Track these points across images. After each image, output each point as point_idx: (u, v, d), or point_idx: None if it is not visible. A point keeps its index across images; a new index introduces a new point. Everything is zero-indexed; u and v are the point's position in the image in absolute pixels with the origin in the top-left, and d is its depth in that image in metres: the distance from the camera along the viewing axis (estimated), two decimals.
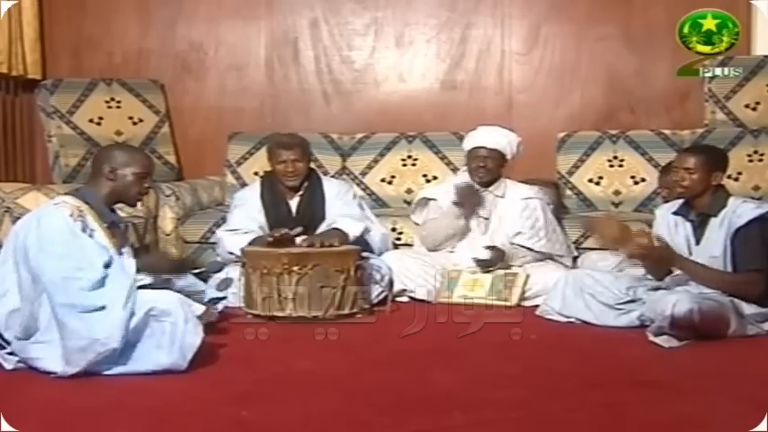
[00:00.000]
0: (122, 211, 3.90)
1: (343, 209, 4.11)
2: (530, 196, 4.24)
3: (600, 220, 3.75)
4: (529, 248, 4.12)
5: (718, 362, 2.96)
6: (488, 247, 4.06)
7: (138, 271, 3.08)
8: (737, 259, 3.32)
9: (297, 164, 4.11)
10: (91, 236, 2.93)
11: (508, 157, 4.24)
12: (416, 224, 4.42)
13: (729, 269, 3.34)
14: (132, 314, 2.73)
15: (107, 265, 2.84)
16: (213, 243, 4.30)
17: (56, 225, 2.86)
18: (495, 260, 4.03)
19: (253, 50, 5.47)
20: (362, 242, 4.01)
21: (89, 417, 2.41)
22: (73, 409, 2.47)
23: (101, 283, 2.79)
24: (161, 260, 3.63)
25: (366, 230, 4.07)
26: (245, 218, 4.10)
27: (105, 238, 2.98)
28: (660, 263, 3.43)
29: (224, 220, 4.33)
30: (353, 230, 3.94)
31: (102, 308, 2.74)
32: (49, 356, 2.73)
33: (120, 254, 3.08)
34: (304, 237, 3.84)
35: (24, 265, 2.84)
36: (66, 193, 3.13)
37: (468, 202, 4.13)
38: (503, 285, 3.91)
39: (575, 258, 4.29)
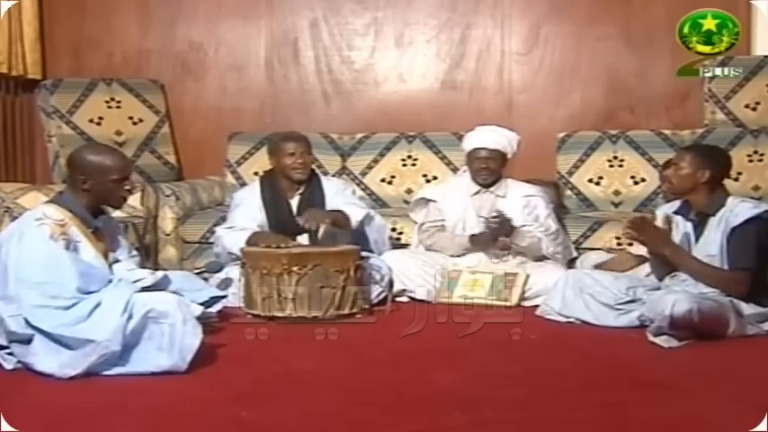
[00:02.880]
0: (122, 211, 3.91)
1: (344, 201, 4.11)
2: (531, 194, 4.25)
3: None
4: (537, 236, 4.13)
5: (718, 362, 2.95)
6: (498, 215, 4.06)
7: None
8: (729, 257, 3.32)
9: (305, 156, 4.12)
10: (76, 249, 2.90)
11: (509, 156, 4.24)
12: (415, 222, 4.42)
13: (726, 268, 3.34)
14: (130, 317, 2.72)
15: (82, 290, 2.80)
16: (213, 243, 4.29)
17: (35, 251, 2.80)
18: (503, 228, 4.03)
19: (253, 50, 5.47)
20: (362, 238, 4.00)
21: (89, 417, 2.41)
22: (73, 409, 2.47)
23: (78, 301, 2.77)
24: None
25: (369, 216, 4.08)
26: (245, 216, 4.09)
27: (91, 245, 2.96)
28: (653, 241, 3.42)
29: (224, 219, 4.32)
30: (357, 215, 3.96)
31: (96, 306, 2.73)
32: (48, 361, 2.72)
33: (108, 255, 3.05)
34: (305, 235, 3.84)
35: (1, 279, 2.82)
36: (49, 201, 3.06)
37: (500, 234, 4.08)
38: (503, 285, 3.91)
39: (572, 260, 4.29)
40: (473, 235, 4.13)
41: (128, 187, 3.07)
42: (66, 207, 2.95)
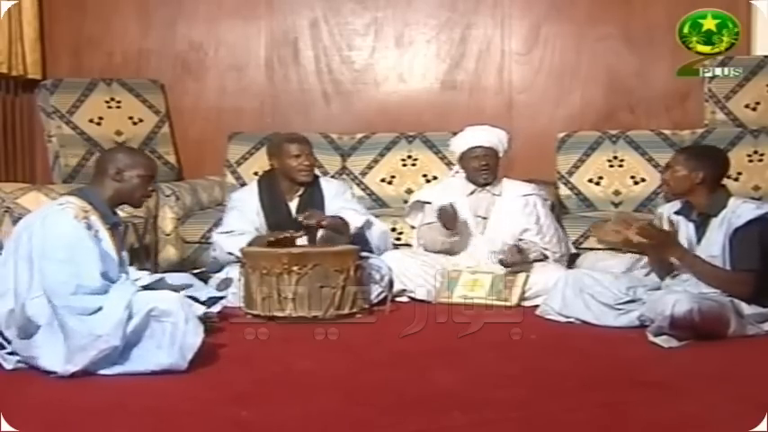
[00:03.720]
0: (122, 211, 3.91)
1: (342, 205, 4.11)
2: (528, 193, 4.25)
3: (600, 227, 3.76)
4: (540, 247, 4.13)
5: (718, 362, 2.95)
6: (512, 247, 4.02)
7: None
8: (733, 258, 3.32)
9: (310, 157, 4.12)
10: (96, 236, 2.94)
11: (501, 154, 4.24)
12: (412, 227, 4.41)
13: (729, 269, 3.34)
14: (131, 315, 2.73)
15: (104, 275, 2.85)
16: (211, 247, 4.29)
17: (60, 229, 2.86)
18: (520, 259, 3.99)
19: (253, 50, 5.47)
20: (362, 240, 4.00)
21: (89, 417, 2.41)
22: (73, 409, 2.47)
23: (101, 289, 2.81)
24: None
25: (368, 223, 4.07)
26: (241, 219, 4.08)
27: (108, 239, 3.00)
28: (662, 247, 3.41)
29: (222, 221, 4.32)
30: (356, 221, 3.95)
31: (100, 308, 2.75)
32: (50, 355, 2.73)
33: (120, 256, 3.09)
34: (303, 234, 3.85)
35: (24, 265, 2.84)
36: (69, 193, 3.13)
37: (452, 222, 4.05)
38: (503, 285, 3.91)
39: (573, 256, 4.28)
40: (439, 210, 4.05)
41: (152, 188, 3.20)
42: (87, 200, 3.01)
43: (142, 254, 4.32)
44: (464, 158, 4.24)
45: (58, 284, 2.77)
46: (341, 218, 3.90)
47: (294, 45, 5.44)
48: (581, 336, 3.35)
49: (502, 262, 4.01)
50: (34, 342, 2.78)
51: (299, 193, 4.14)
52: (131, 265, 3.35)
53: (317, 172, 4.37)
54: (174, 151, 5.32)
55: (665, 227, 3.45)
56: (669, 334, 3.12)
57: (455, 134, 4.84)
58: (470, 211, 4.22)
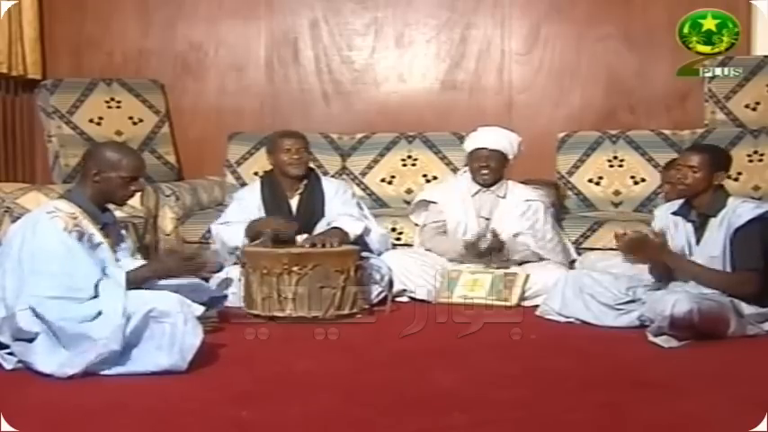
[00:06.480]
0: (122, 211, 3.91)
1: (342, 208, 4.11)
2: (532, 198, 4.24)
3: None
4: (532, 250, 4.12)
5: (718, 362, 2.95)
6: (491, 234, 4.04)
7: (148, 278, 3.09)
8: (735, 258, 3.31)
9: (302, 152, 4.12)
10: (90, 240, 2.93)
11: (510, 157, 4.24)
12: (416, 225, 4.42)
13: (729, 269, 3.33)
14: (128, 317, 2.72)
15: (98, 284, 2.84)
16: (210, 241, 4.29)
17: (50, 242, 2.84)
18: (493, 246, 4.00)
19: (253, 50, 5.47)
20: (361, 242, 4.01)
21: (89, 417, 2.40)
22: (73, 409, 2.47)
23: (94, 294, 2.81)
24: (171, 261, 3.29)
25: (366, 230, 4.08)
26: (240, 213, 4.10)
27: (104, 240, 3.00)
28: (653, 257, 3.37)
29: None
30: (354, 229, 3.95)
31: (99, 314, 2.75)
32: (48, 360, 2.72)
33: (115, 252, 3.07)
34: (305, 236, 3.84)
35: (12, 274, 2.84)
36: (60, 196, 3.11)
37: (481, 255, 4.05)
38: (503, 285, 3.91)
39: (572, 262, 4.27)
40: (467, 243, 4.08)
41: (134, 188, 3.12)
42: (76, 203, 2.99)
43: (142, 254, 4.31)
44: (470, 157, 4.26)
45: (52, 300, 2.75)
46: (339, 228, 3.89)
47: (294, 45, 5.44)
48: (581, 336, 3.35)
49: (465, 244, 4.02)
50: (32, 347, 2.76)
51: (300, 191, 4.16)
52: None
53: (317, 171, 4.37)
54: (174, 151, 5.33)
55: (652, 235, 3.39)
56: (669, 334, 3.12)
57: (455, 134, 4.86)
58: (474, 211, 4.22)
